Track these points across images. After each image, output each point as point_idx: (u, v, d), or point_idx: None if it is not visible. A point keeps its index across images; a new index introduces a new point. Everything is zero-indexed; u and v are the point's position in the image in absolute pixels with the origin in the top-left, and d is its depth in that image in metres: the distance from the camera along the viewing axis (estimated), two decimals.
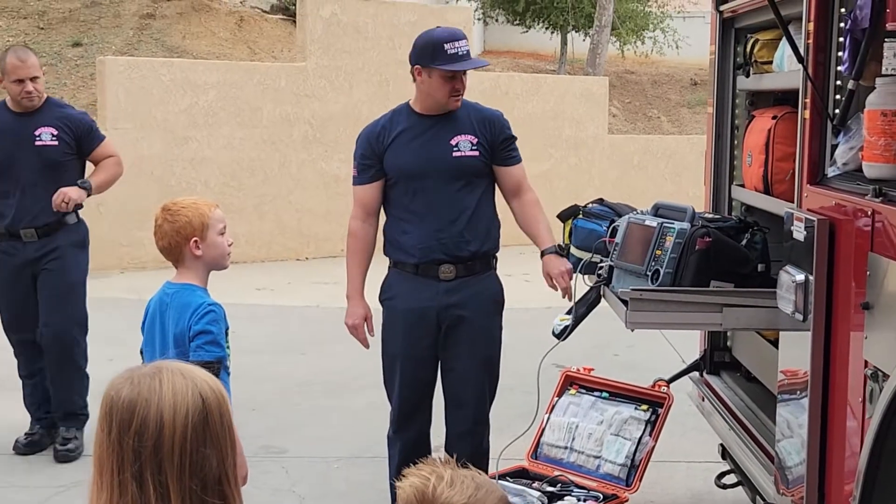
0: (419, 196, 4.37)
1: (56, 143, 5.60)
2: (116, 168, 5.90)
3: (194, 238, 3.53)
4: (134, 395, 1.80)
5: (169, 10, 15.72)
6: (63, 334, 5.65)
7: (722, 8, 4.64)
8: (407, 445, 4.50)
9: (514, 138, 4.51)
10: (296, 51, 12.72)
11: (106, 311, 9.04)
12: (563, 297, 4.44)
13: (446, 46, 4.29)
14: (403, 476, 1.95)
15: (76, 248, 5.75)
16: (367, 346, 4.57)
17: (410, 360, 4.45)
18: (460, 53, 4.29)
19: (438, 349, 4.44)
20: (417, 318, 4.39)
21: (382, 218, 4.54)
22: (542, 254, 4.45)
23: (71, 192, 5.51)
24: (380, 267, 4.54)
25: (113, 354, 7.27)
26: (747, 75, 4.50)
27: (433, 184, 4.34)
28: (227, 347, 3.54)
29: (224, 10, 16.23)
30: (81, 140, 5.71)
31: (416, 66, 4.34)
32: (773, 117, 4.07)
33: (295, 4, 13.03)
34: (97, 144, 5.80)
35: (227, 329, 3.54)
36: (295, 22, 13.28)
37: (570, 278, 4.38)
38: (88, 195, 5.68)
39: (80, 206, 5.69)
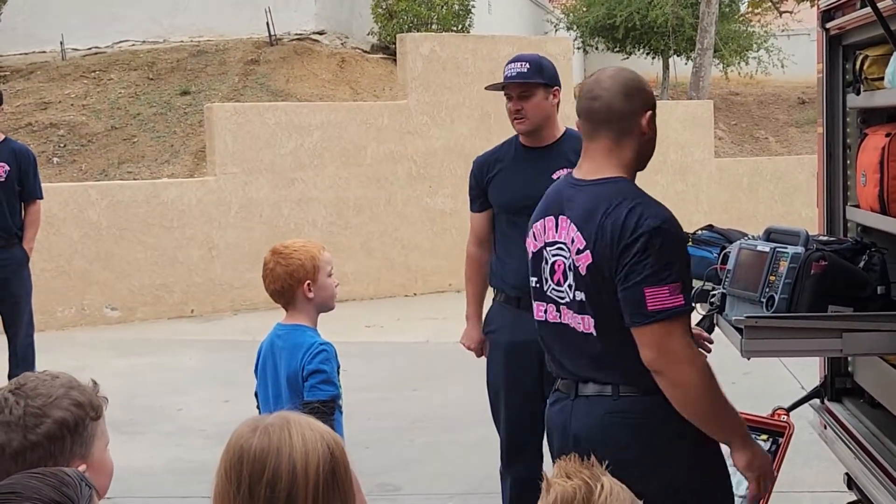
0: (519, 228, 4.35)
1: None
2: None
3: (307, 281, 3.55)
4: (264, 444, 1.79)
5: (272, 55, 16.03)
6: None
7: (828, 25, 4.53)
8: (517, 481, 4.45)
9: None
10: (397, 89, 12.85)
11: (221, 353, 9.21)
12: None
13: (505, 68, 4.38)
14: (562, 475, 1.96)
15: None
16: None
17: (513, 393, 4.42)
18: (509, 74, 4.35)
19: (543, 383, 4.39)
20: (518, 352, 4.37)
21: None
22: None
23: None
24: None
25: (228, 396, 7.40)
26: (858, 93, 4.37)
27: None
28: (340, 386, 3.56)
29: (325, 52, 16.49)
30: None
31: None
32: (887, 135, 3.95)
33: (395, 43, 13.17)
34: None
35: (338, 367, 3.55)
36: (395, 60, 13.42)
37: None
38: None
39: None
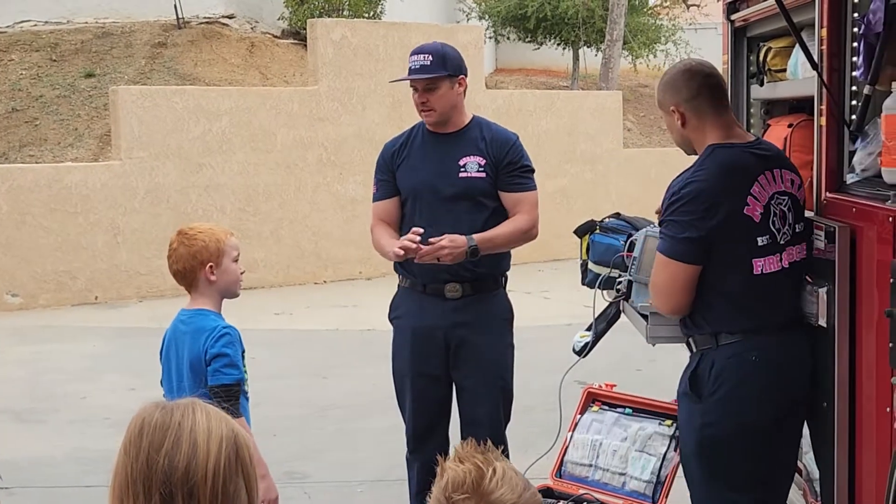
0: (426, 215, 4.34)
1: None
2: None
3: (210, 263, 3.53)
4: (166, 418, 1.75)
5: (180, 39, 15.77)
6: None
7: (733, 17, 4.61)
8: (424, 467, 4.46)
9: (525, 167, 4.39)
10: (308, 74, 12.75)
11: (126, 340, 9.06)
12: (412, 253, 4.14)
13: (409, 61, 4.36)
14: (456, 458, 1.98)
15: None
16: (416, 235, 4.17)
17: (420, 378, 4.42)
18: (413, 67, 4.32)
19: (450, 368, 4.41)
20: (425, 337, 4.37)
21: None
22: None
23: None
24: (391, 288, 4.52)
25: (134, 384, 7.29)
26: (761, 84, 4.46)
27: (440, 203, 4.31)
28: (245, 371, 3.53)
29: (235, 36, 16.27)
30: None
31: None
32: (789, 125, 4.03)
33: (305, 28, 13.06)
34: None
35: (243, 352, 3.52)
36: (306, 46, 13.31)
37: (437, 252, 4.12)
38: None
39: None
